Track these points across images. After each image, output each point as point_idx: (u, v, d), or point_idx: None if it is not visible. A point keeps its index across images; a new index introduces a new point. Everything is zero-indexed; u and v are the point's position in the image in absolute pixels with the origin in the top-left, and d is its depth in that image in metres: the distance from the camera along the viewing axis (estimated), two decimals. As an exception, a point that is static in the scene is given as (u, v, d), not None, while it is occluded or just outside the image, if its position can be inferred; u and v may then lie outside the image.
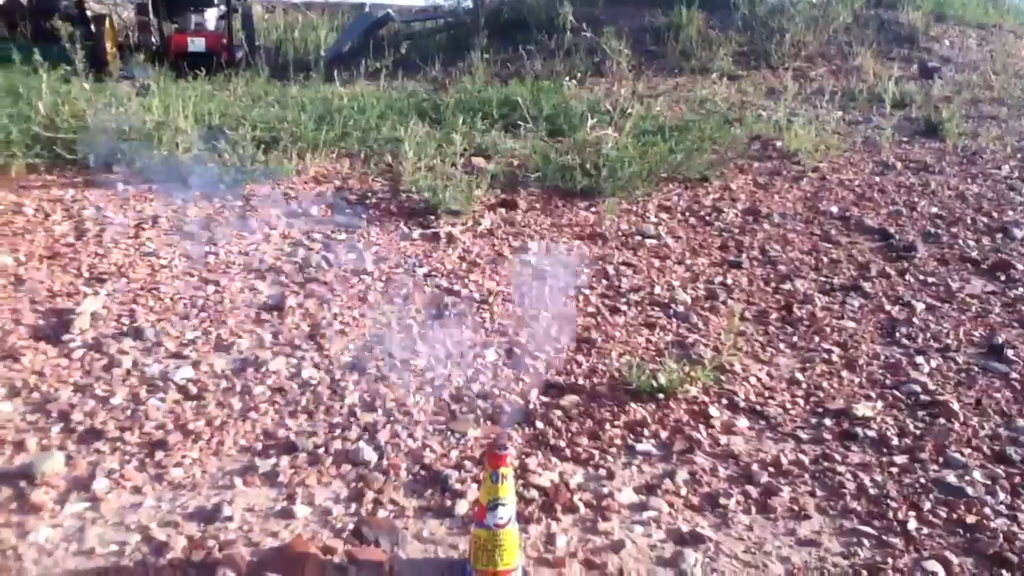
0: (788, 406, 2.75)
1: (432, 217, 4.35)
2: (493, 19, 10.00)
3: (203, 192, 4.54)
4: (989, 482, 2.36)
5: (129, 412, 2.50)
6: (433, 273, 3.70)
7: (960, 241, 4.39)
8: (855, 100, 7.64)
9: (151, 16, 10.06)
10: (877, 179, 5.46)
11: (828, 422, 2.66)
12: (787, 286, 3.76)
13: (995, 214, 4.82)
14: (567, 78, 7.93)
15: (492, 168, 5.04)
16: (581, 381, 2.84)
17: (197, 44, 9.58)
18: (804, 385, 2.89)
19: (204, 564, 1.90)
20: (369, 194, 4.69)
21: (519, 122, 6.11)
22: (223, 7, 10.35)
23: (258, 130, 5.36)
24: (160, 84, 6.66)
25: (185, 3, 10.20)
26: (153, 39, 9.94)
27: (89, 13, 9.81)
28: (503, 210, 4.59)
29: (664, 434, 2.54)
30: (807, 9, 9.76)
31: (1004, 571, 2.01)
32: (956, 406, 2.75)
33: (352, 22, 11.47)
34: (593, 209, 4.69)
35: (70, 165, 4.89)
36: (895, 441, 2.55)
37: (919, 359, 3.10)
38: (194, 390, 2.64)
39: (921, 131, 6.74)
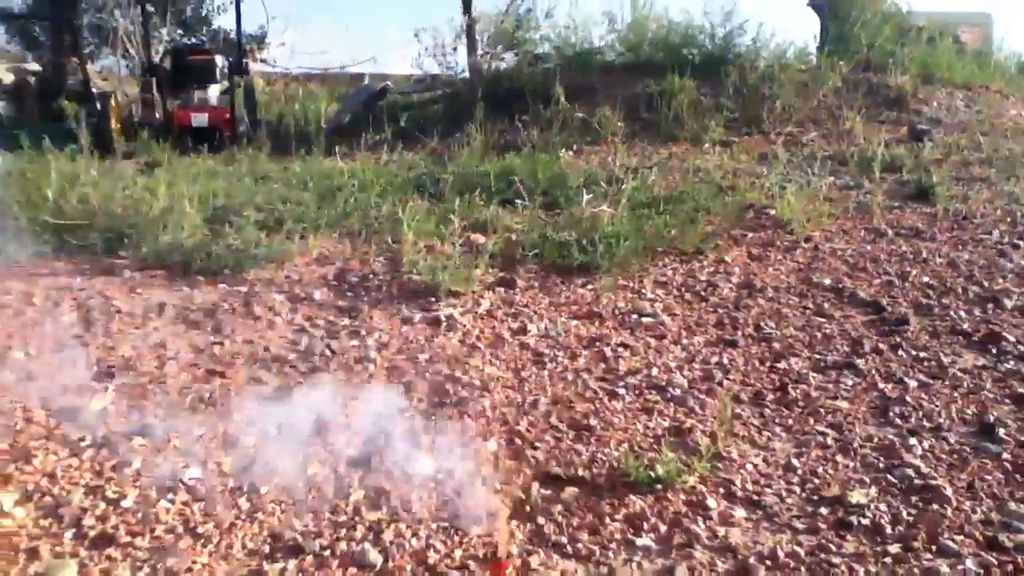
0: (784, 494, 2.81)
1: (432, 299, 4.45)
2: (490, 90, 10.23)
3: (208, 277, 4.65)
4: (982, 571, 2.41)
5: (140, 515, 2.56)
6: (434, 359, 3.78)
7: (952, 312, 4.46)
8: (846, 165, 7.79)
9: (155, 92, 10.31)
10: (869, 248, 5.55)
11: (823, 510, 2.71)
12: (782, 365, 3.84)
13: (986, 283, 4.90)
14: (563, 149, 8.11)
15: (491, 246, 5.15)
16: (581, 472, 2.90)
17: (200, 120, 9.82)
18: (800, 471, 2.95)
19: (215, 677, 1.95)
20: (371, 275, 4.80)
21: (516, 199, 6.23)
22: (225, 82, 10.62)
23: (262, 212, 5.49)
24: (165, 163, 6.84)
25: (188, 79, 10.46)
26: (157, 115, 10.18)
27: (95, 91, 10.05)
28: (502, 289, 4.69)
29: (663, 527, 2.60)
30: (797, 74, 9.98)
31: (998, 667, 2.05)
32: (949, 491, 2.81)
33: (351, 94, 11.74)
34: (590, 286, 4.78)
35: (78, 251, 5.01)
36: (889, 529, 2.60)
37: (912, 440, 3.16)
38: (202, 490, 2.70)
39: (912, 195, 6.84)
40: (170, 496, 2.66)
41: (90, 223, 5.22)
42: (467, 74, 11.08)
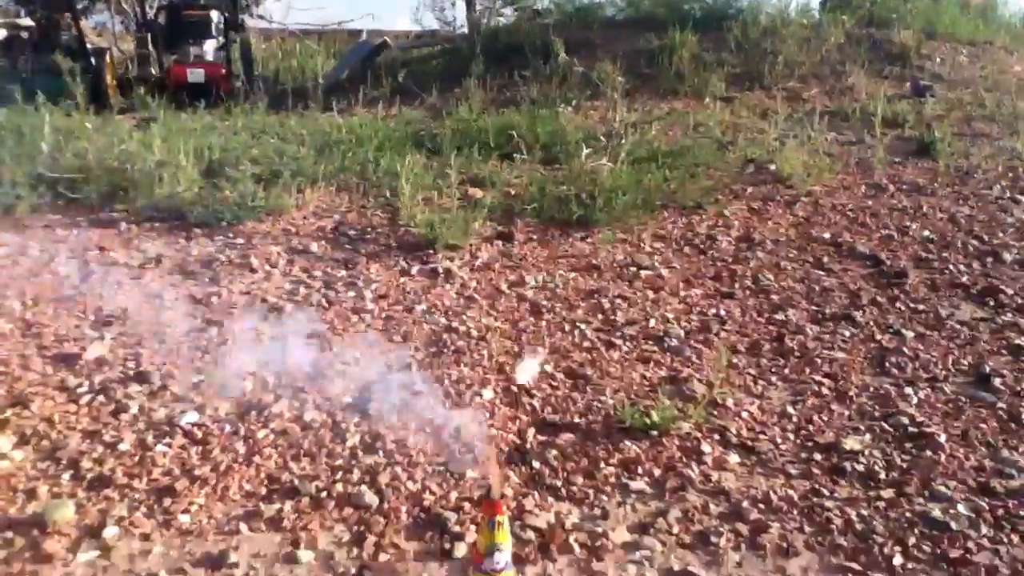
0: (779, 441, 2.82)
1: (430, 251, 4.44)
2: (489, 45, 10.13)
3: (205, 230, 4.64)
4: (973, 515, 2.42)
5: (137, 458, 2.57)
6: (432, 310, 3.78)
7: (951, 266, 4.45)
8: (848, 120, 7.74)
9: (150, 48, 10.19)
10: (869, 202, 5.53)
11: (818, 456, 2.73)
12: (779, 316, 3.83)
13: (986, 237, 4.89)
14: (562, 104, 8.04)
15: (489, 200, 5.13)
16: (577, 419, 2.91)
17: (196, 75, 9.71)
18: (795, 419, 2.96)
19: (212, 612, 1.97)
20: (368, 229, 4.78)
21: (515, 153, 6.19)
22: (221, 38, 10.49)
23: (258, 165, 5.46)
24: (161, 118, 6.79)
25: (184, 35, 10.33)
26: (152, 71, 10.07)
27: (89, 47, 9.93)
28: (500, 243, 4.67)
29: (657, 472, 2.61)
30: (799, 30, 9.87)
31: (987, 605, 2.08)
32: (943, 438, 2.82)
33: (350, 50, 11.61)
34: (589, 240, 4.77)
35: (74, 204, 4.98)
36: (882, 475, 2.62)
37: (908, 390, 3.17)
38: (200, 435, 2.71)
39: (913, 151, 6.80)
40: (167, 440, 2.67)
41: (85, 176, 5.18)
42: (466, 29, 10.95)
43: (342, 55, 11.72)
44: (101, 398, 2.91)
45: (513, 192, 5.48)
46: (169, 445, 2.65)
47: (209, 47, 10.39)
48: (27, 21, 10.91)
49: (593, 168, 5.55)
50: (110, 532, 2.23)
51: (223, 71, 9.94)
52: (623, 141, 6.13)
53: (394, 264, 4.31)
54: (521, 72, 9.11)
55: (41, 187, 5.02)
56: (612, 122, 6.98)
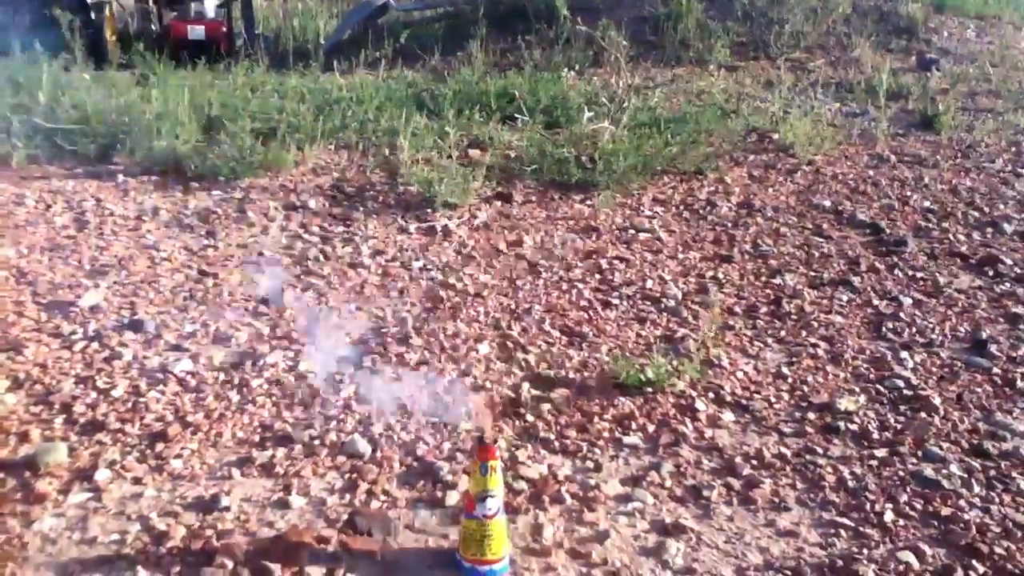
0: (773, 400, 2.82)
1: (429, 210, 4.41)
2: (493, 8, 9.99)
3: (202, 184, 4.61)
4: (965, 475, 2.43)
5: (130, 404, 2.57)
6: (429, 267, 3.76)
7: (951, 236, 4.43)
8: (852, 92, 7.67)
9: (151, 4, 10.06)
10: (871, 172, 5.50)
11: (811, 416, 2.73)
12: (777, 280, 3.82)
13: (986, 208, 4.87)
14: (565, 69, 7.96)
15: (488, 160, 5.09)
16: (572, 375, 2.91)
17: (197, 32, 9.58)
18: (790, 379, 2.96)
19: (203, 553, 1.97)
20: (367, 186, 4.75)
21: (516, 114, 6.14)
22: (223, -5, 10.36)
23: (257, 121, 5.40)
24: (160, 73, 6.71)
25: (184, -9, 10.19)
26: (153, 27, 9.95)
27: (89, 1, 9.80)
28: (499, 203, 4.65)
29: (651, 427, 2.62)
30: (806, -1, 9.77)
31: (975, 561, 2.08)
32: (937, 400, 2.82)
33: (351, 10, 11.46)
34: (588, 202, 4.74)
35: (71, 156, 4.94)
36: (876, 435, 2.62)
37: (904, 354, 3.17)
38: (193, 383, 2.71)
39: (917, 124, 6.76)
40: (160, 387, 2.67)
41: (83, 128, 5.14)
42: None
43: (344, 16, 11.58)
44: (95, 345, 2.90)
45: (513, 154, 5.43)
46: (162, 392, 2.64)
47: (210, 4, 10.24)
48: (26, -26, 10.77)
49: (594, 131, 5.51)
50: (102, 475, 2.24)
51: (224, 29, 9.81)
52: (625, 106, 6.08)
53: (392, 221, 4.28)
54: (524, 36, 9.01)
55: (38, 138, 4.98)
56: (615, 87, 6.92)
